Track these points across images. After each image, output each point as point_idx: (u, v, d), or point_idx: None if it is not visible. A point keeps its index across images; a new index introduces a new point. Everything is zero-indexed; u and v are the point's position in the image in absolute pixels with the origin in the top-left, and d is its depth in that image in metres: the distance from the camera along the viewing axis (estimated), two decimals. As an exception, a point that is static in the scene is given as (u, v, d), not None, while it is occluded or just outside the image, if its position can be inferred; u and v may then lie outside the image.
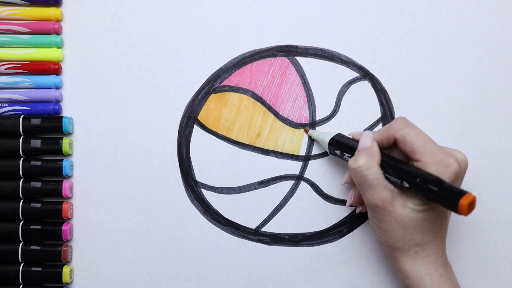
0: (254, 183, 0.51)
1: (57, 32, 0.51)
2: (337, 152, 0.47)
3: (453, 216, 0.50)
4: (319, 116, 0.51)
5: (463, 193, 0.37)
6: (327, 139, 0.48)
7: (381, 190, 0.42)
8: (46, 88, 0.51)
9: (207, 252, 0.51)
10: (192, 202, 0.51)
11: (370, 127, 0.51)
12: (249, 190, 0.51)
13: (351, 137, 0.47)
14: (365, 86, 0.51)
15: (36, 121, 0.50)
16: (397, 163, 0.43)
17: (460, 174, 0.42)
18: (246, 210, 0.51)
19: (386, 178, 0.43)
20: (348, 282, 0.50)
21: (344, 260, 0.50)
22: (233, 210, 0.51)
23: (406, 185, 0.41)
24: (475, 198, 0.37)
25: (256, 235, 0.51)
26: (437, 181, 0.39)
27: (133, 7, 0.52)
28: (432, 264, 0.43)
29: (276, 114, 0.51)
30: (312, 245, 0.51)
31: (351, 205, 0.49)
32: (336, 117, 0.51)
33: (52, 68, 0.51)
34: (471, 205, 0.37)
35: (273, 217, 0.51)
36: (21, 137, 0.50)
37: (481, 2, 0.51)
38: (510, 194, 0.51)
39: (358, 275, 0.50)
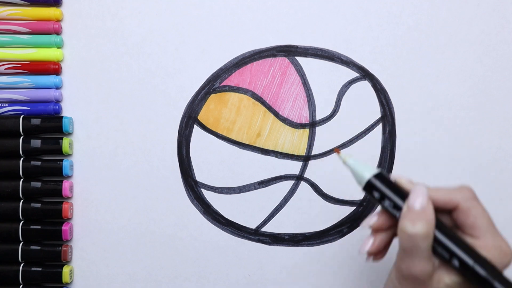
0: (254, 183, 0.51)
1: (57, 32, 0.51)
2: (376, 194, 0.39)
3: (453, 216, 0.50)
4: (319, 116, 0.51)
5: None
6: (366, 175, 0.39)
7: (427, 262, 0.36)
8: (46, 88, 0.51)
9: (207, 252, 0.51)
10: (192, 202, 0.51)
11: (370, 127, 0.51)
12: (249, 190, 0.51)
13: (393, 180, 0.40)
14: (365, 86, 0.51)
15: (36, 121, 0.50)
16: (450, 235, 0.37)
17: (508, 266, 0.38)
18: (246, 210, 0.51)
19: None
20: (348, 282, 0.50)
21: (344, 260, 0.50)
22: (233, 210, 0.51)
23: (456, 264, 0.36)
24: None
25: (256, 235, 0.51)
26: (494, 270, 0.35)
27: (133, 7, 0.52)
28: None
29: (276, 114, 0.51)
30: (312, 245, 0.51)
31: (366, 253, 0.40)
32: (336, 117, 0.51)
33: (52, 68, 0.51)
34: None
35: (273, 217, 0.51)
36: (21, 137, 0.50)
37: (481, 2, 0.51)
38: (510, 194, 0.51)
39: (358, 275, 0.50)
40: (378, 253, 0.41)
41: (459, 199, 0.38)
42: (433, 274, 0.37)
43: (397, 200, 0.38)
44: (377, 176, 0.39)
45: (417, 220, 0.36)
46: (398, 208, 0.38)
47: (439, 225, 0.37)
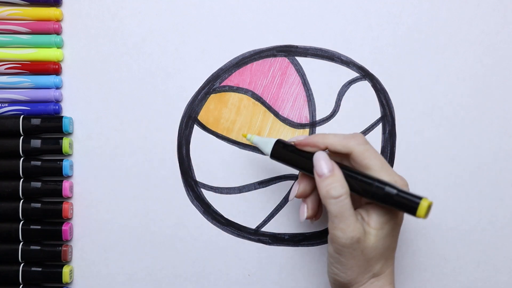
0: (254, 183, 0.51)
1: (57, 32, 0.51)
2: (282, 159, 0.44)
3: (453, 215, 0.50)
4: (319, 116, 0.51)
5: (421, 197, 0.39)
6: (269, 145, 0.44)
7: (355, 221, 0.40)
8: (46, 88, 0.51)
9: (207, 252, 0.51)
10: (192, 202, 0.51)
11: (370, 127, 0.51)
12: (249, 190, 0.51)
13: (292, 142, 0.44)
14: (365, 86, 0.51)
15: (36, 121, 0.50)
16: (349, 175, 0.41)
17: None
18: (246, 210, 0.51)
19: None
20: (348, 282, 0.50)
21: (344, 260, 0.50)
22: (233, 210, 0.51)
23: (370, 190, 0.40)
24: (432, 203, 0.39)
25: (256, 235, 0.51)
26: (393, 186, 0.40)
27: (133, 7, 0.52)
28: None
29: (276, 114, 0.51)
30: (312, 245, 0.51)
31: (306, 219, 0.45)
32: (336, 117, 0.51)
33: (52, 68, 0.51)
34: (429, 209, 0.39)
35: (273, 217, 0.51)
36: (21, 137, 0.50)
37: (481, 2, 0.51)
38: (510, 194, 0.51)
39: (358, 275, 0.50)
40: (316, 215, 0.45)
41: (353, 144, 0.42)
42: (364, 233, 0.40)
43: (301, 159, 0.43)
44: (278, 142, 0.44)
45: (335, 183, 0.40)
46: (307, 169, 0.43)
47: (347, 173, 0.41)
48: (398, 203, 0.39)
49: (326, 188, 0.40)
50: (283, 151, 0.44)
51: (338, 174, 0.41)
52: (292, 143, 0.44)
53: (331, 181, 0.40)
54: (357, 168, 0.42)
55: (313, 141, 0.43)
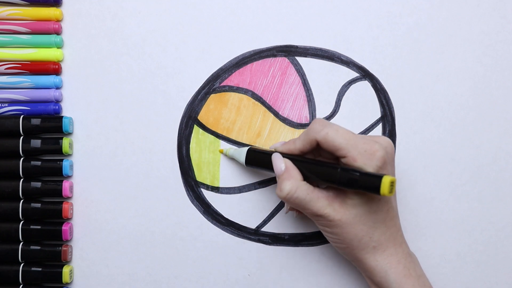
0: (254, 183, 0.51)
1: (57, 32, 0.51)
2: (256, 166, 0.48)
3: (453, 215, 0.50)
4: (319, 116, 0.51)
5: (382, 175, 0.39)
6: (243, 152, 0.49)
7: (317, 202, 0.42)
8: (46, 88, 0.51)
9: (207, 252, 0.51)
10: (192, 202, 0.51)
11: (370, 127, 0.51)
12: (249, 190, 0.51)
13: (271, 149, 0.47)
14: (365, 86, 0.51)
15: (36, 121, 0.50)
16: (314, 167, 0.43)
17: (387, 159, 0.42)
18: (246, 210, 0.51)
19: (316, 185, 0.43)
20: (348, 282, 0.50)
21: (344, 260, 0.50)
22: (233, 210, 0.51)
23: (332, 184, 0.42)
24: (395, 180, 0.39)
25: (256, 235, 0.51)
26: (356, 170, 0.40)
27: (133, 7, 0.52)
28: (394, 256, 0.43)
29: (276, 114, 0.51)
30: (312, 245, 0.51)
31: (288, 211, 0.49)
32: (336, 117, 0.51)
33: (52, 68, 0.51)
34: (392, 185, 0.39)
35: (273, 217, 0.51)
36: (21, 137, 0.50)
37: (481, 2, 0.51)
38: (510, 194, 0.51)
39: (358, 275, 0.50)
40: (295, 209, 0.48)
41: (314, 135, 0.43)
42: (333, 204, 0.42)
43: (270, 162, 0.45)
44: (249, 150, 0.48)
45: (281, 184, 0.43)
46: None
47: (303, 168, 0.43)
48: (363, 186, 0.40)
49: (278, 188, 0.43)
50: (255, 158, 0.48)
51: (289, 171, 0.43)
52: (273, 149, 0.46)
53: (281, 180, 0.43)
54: (333, 153, 0.42)
55: (287, 147, 0.45)
